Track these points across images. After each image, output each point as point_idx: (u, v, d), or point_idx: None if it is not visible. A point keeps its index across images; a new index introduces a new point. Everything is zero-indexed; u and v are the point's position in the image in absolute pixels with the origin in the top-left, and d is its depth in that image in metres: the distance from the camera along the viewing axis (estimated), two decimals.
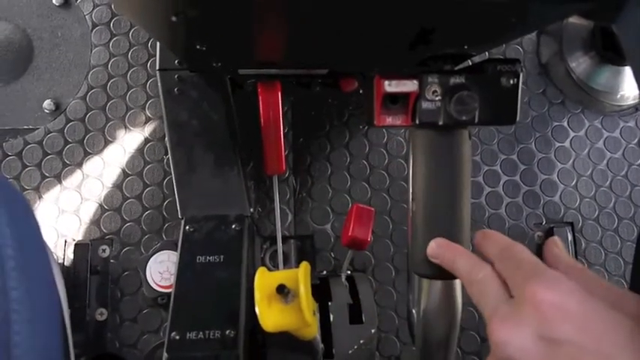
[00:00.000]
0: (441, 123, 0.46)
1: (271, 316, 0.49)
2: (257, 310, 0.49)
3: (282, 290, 0.49)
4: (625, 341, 0.31)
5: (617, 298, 0.34)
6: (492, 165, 0.88)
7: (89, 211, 0.82)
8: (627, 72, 0.90)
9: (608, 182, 0.89)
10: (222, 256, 0.64)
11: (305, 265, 0.50)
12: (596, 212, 0.88)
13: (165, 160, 0.83)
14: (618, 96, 0.90)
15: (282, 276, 0.50)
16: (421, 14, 0.39)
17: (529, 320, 0.33)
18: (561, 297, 0.33)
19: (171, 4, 0.37)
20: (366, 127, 0.87)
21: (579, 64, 0.90)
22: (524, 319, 0.33)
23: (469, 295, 0.41)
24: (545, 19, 0.47)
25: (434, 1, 0.35)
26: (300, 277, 0.49)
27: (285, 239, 0.81)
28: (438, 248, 0.46)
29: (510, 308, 0.35)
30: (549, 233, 0.86)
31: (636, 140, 0.91)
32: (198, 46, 0.53)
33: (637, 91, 0.91)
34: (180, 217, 0.71)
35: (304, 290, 0.48)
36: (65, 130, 0.84)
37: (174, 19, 0.39)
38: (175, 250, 0.72)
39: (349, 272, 0.74)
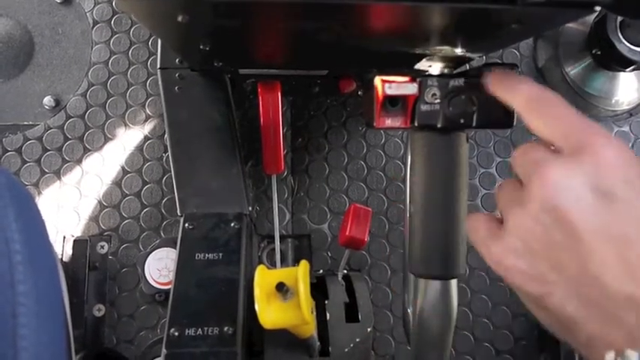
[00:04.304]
0: (439, 126, 0.47)
1: (270, 314, 0.50)
2: (256, 307, 0.50)
3: (281, 288, 0.49)
4: None
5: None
6: (488, 167, 0.89)
7: (88, 207, 0.82)
8: (622, 77, 0.91)
9: None
10: (221, 254, 0.65)
11: (304, 264, 0.51)
12: None
13: (164, 158, 0.84)
14: (613, 101, 0.92)
15: (281, 274, 0.51)
16: (422, 23, 0.40)
17: (586, 170, 0.31)
18: (622, 154, 0.32)
19: (178, 5, 0.37)
20: (364, 128, 0.88)
21: (575, 68, 0.92)
22: (581, 168, 0.32)
23: (527, 122, 0.38)
24: (547, 25, 0.47)
25: (435, 10, 0.36)
26: (300, 275, 0.49)
27: (282, 238, 0.82)
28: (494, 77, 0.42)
29: (565, 158, 0.33)
30: None
31: (630, 145, 0.92)
32: (201, 46, 0.54)
33: (631, 97, 0.92)
34: (179, 214, 0.71)
35: (303, 288, 0.49)
36: (65, 127, 0.84)
37: (180, 19, 0.40)
38: (174, 248, 0.73)
39: (346, 271, 0.75)
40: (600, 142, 0.32)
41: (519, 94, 0.39)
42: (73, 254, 0.79)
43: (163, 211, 0.82)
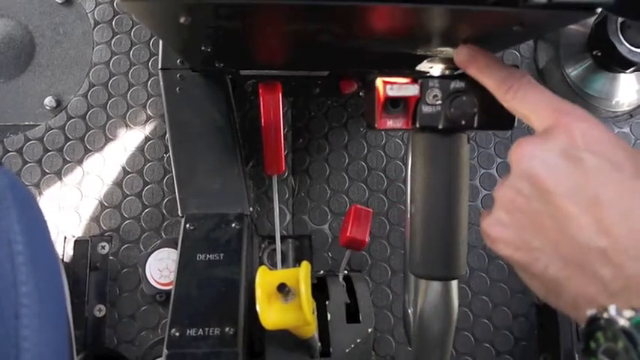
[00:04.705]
0: (440, 127, 0.47)
1: (271, 314, 0.50)
2: (258, 307, 0.50)
3: (282, 289, 0.50)
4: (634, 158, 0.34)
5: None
6: (489, 168, 0.89)
7: (89, 207, 0.82)
8: (622, 79, 0.91)
9: None
10: (222, 254, 0.65)
11: (306, 265, 0.51)
12: None
13: (165, 159, 0.84)
14: (613, 102, 0.92)
15: (283, 275, 0.51)
16: (423, 25, 0.40)
17: (559, 142, 0.34)
18: (592, 128, 0.34)
19: (181, 7, 0.37)
20: (365, 129, 0.88)
21: (575, 70, 0.92)
22: (554, 140, 0.35)
23: (501, 100, 0.41)
24: (548, 27, 0.47)
25: (436, 13, 0.36)
26: (301, 276, 0.50)
27: (283, 239, 0.82)
28: (469, 53, 0.43)
29: (539, 134, 0.36)
30: None
31: (631, 146, 0.92)
32: (202, 47, 0.54)
33: (631, 98, 0.93)
34: (180, 215, 0.71)
35: (305, 289, 0.49)
36: (66, 127, 0.84)
37: (182, 20, 0.40)
38: (175, 248, 0.73)
39: (346, 272, 0.75)
40: (571, 119, 0.35)
41: (492, 76, 0.41)
42: (73, 255, 0.79)
43: (164, 211, 0.82)
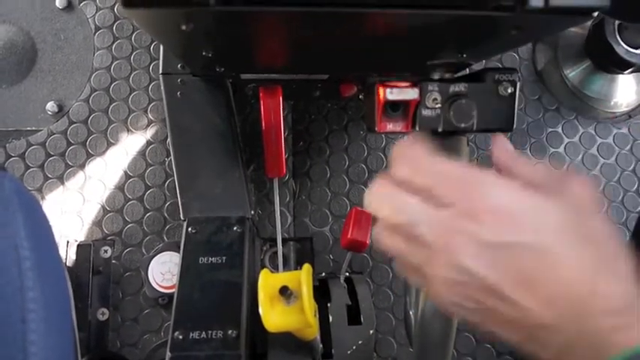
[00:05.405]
0: (440, 130, 0.48)
1: (274, 317, 0.50)
2: (260, 310, 0.50)
3: (284, 292, 0.50)
4: (562, 232, 0.34)
5: (559, 182, 0.36)
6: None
7: (91, 212, 0.83)
8: (621, 80, 0.92)
9: (601, 188, 0.91)
10: (224, 258, 0.65)
11: (307, 268, 0.52)
12: None
13: (166, 163, 0.84)
14: (612, 103, 0.92)
15: (285, 277, 0.51)
16: (422, 29, 0.41)
17: (470, 229, 0.34)
18: (495, 202, 0.34)
19: (183, 14, 0.38)
20: (365, 132, 0.89)
21: (574, 71, 0.92)
22: (465, 230, 0.34)
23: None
24: (546, 31, 0.48)
25: (435, 18, 0.37)
26: (303, 279, 0.50)
27: (284, 241, 0.82)
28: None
29: (450, 221, 0.35)
30: None
31: (629, 147, 0.93)
32: (204, 53, 0.54)
33: (630, 99, 0.93)
34: (182, 218, 0.72)
35: (307, 292, 0.49)
36: (68, 132, 0.85)
37: (183, 27, 0.41)
38: (177, 251, 0.73)
39: (348, 274, 0.76)
40: (474, 201, 0.34)
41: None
42: (76, 259, 0.80)
43: (166, 215, 0.83)
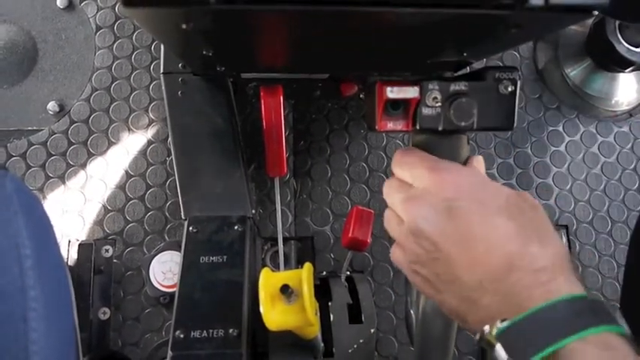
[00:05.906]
0: (440, 128, 0.48)
1: (275, 316, 0.50)
2: (261, 309, 0.50)
3: (285, 290, 0.50)
4: (502, 203, 0.40)
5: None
6: (489, 169, 0.89)
7: (92, 211, 0.83)
8: (621, 78, 0.92)
9: (602, 186, 0.91)
10: (225, 257, 0.66)
11: (308, 266, 0.52)
12: (591, 215, 0.90)
13: (167, 162, 0.84)
14: (612, 102, 0.92)
15: (285, 276, 0.51)
16: (423, 28, 0.41)
17: (435, 196, 0.41)
18: (453, 181, 0.42)
19: (183, 13, 0.38)
20: (366, 131, 0.89)
21: (574, 70, 0.92)
22: (430, 197, 0.41)
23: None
24: (546, 29, 0.48)
25: (435, 16, 0.37)
26: (304, 277, 0.50)
27: (285, 240, 0.82)
28: None
29: (416, 192, 0.43)
30: None
31: (630, 145, 0.93)
32: (204, 52, 0.54)
33: (630, 97, 0.93)
34: (183, 217, 0.72)
35: (307, 291, 0.49)
36: (69, 132, 0.85)
37: (184, 26, 0.41)
38: (178, 251, 0.74)
39: (349, 273, 0.76)
40: (443, 176, 0.42)
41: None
42: (78, 258, 0.80)
43: (167, 214, 0.83)
